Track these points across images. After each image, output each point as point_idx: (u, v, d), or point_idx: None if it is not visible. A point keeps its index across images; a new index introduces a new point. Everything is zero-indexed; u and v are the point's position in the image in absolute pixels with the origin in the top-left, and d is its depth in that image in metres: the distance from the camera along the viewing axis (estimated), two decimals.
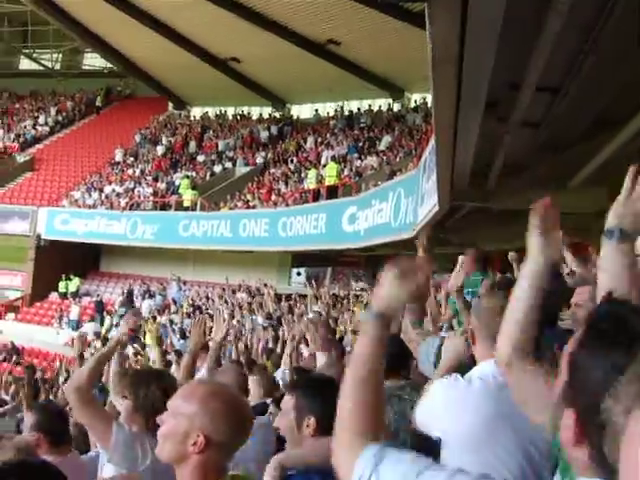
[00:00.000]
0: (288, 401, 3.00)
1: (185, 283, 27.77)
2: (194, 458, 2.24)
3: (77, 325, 26.94)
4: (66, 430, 4.46)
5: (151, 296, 27.46)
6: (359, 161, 26.44)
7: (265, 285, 22.68)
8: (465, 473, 1.57)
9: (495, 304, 2.65)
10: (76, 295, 29.63)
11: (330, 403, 2.82)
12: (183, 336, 21.59)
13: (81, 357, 7.25)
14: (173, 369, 8.91)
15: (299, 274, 24.93)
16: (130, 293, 28.03)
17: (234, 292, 23.25)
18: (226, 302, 21.79)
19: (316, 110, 34.34)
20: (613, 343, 1.24)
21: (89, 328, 25.43)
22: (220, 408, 2.26)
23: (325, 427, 2.77)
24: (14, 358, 25.68)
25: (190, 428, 2.24)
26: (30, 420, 4.55)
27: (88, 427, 4.10)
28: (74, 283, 30.10)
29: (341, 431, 1.75)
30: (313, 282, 18.89)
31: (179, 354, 11.82)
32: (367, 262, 23.19)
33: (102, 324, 26.68)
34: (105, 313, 27.63)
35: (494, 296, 2.79)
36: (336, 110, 33.67)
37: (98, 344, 21.84)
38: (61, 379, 15.68)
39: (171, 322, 23.68)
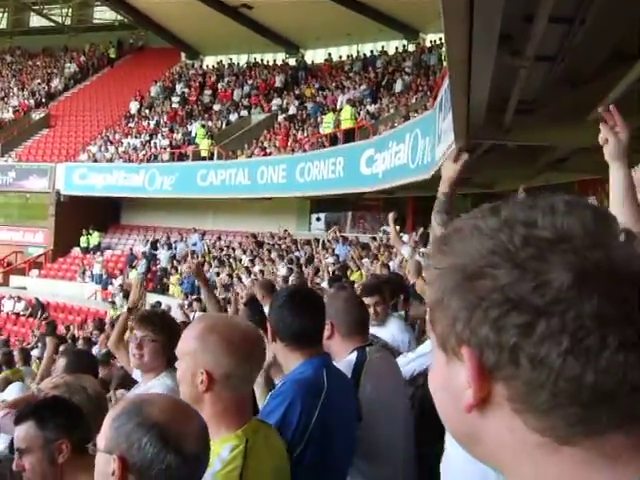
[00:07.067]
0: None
1: (205, 233, 27.79)
2: (206, 398, 2.24)
3: (101, 278, 27.11)
4: None
5: (170, 247, 27.43)
6: (375, 104, 26.21)
7: (285, 231, 22.77)
8: None
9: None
10: (98, 249, 29.82)
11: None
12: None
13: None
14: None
15: (318, 219, 24.93)
16: (154, 244, 27.97)
17: (260, 243, 23.21)
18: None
19: (330, 54, 33.99)
20: None
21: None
22: (218, 341, 2.23)
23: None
24: (39, 314, 26.05)
25: (194, 367, 2.24)
26: None
27: None
28: (95, 237, 30.24)
29: None
30: (335, 227, 19.01)
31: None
32: (386, 205, 23.03)
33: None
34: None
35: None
36: (349, 54, 33.31)
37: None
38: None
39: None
